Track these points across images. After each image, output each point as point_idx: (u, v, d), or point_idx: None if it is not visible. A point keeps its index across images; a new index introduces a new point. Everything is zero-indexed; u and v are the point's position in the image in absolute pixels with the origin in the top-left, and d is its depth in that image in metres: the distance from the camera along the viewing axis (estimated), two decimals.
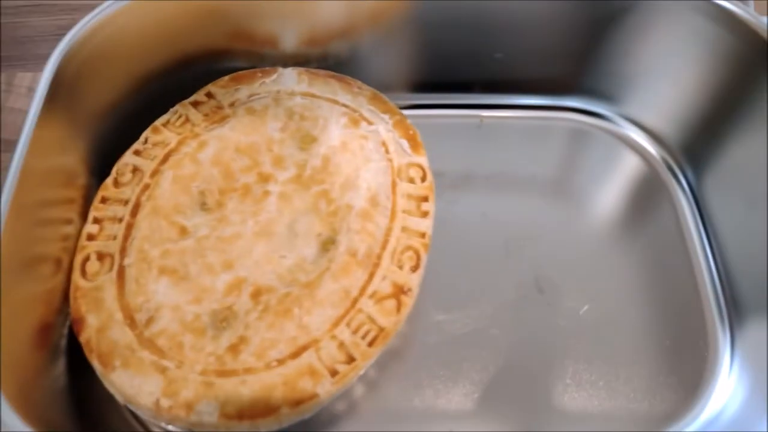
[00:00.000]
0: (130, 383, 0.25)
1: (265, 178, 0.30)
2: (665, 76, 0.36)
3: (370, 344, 0.27)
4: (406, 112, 0.34)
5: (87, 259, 0.27)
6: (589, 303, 0.32)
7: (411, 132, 0.33)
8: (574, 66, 0.37)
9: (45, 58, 0.42)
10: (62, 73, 0.28)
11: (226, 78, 0.33)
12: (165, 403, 0.25)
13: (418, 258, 0.29)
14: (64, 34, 0.43)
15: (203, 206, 0.30)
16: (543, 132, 0.38)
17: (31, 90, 0.41)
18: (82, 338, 0.26)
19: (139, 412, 0.26)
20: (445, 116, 0.39)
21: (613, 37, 0.35)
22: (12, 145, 0.39)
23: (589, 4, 0.34)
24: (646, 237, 0.35)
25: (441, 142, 0.35)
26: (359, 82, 0.35)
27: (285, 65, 0.35)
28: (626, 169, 0.37)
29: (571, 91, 0.38)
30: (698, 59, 0.33)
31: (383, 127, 0.33)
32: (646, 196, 0.36)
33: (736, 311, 0.32)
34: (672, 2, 0.32)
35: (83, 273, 0.27)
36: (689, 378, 0.31)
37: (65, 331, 0.28)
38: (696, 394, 0.30)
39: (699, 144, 0.35)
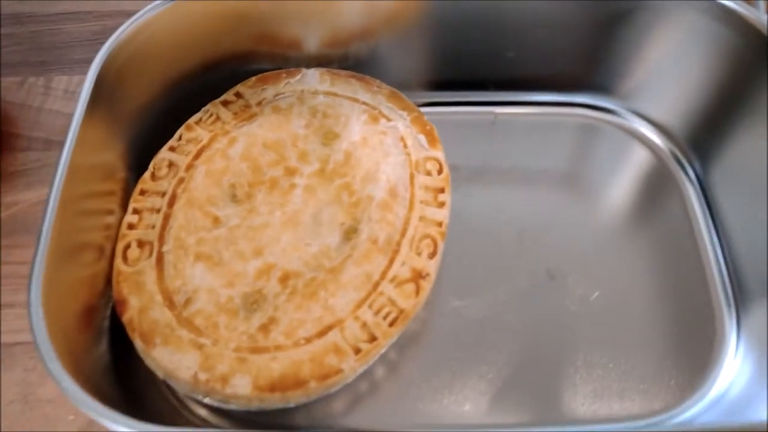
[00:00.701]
0: (170, 359, 0.28)
1: (291, 172, 0.33)
2: (672, 71, 0.38)
3: (391, 324, 0.29)
4: (422, 109, 0.37)
5: (128, 246, 0.30)
6: (600, 290, 0.34)
7: (428, 127, 0.35)
8: (584, 63, 0.39)
9: (80, 62, 0.45)
10: (103, 76, 0.31)
11: (253, 78, 0.36)
12: (202, 376, 0.27)
13: (436, 245, 0.31)
14: (97, 40, 0.46)
15: (234, 198, 0.32)
16: (554, 127, 0.40)
17: (67, 92, 0.44)
18: (125, 318, 0.29)
19: (177, 386, 0.28)
20: (460, 113, 0.41)
21: (622, 35, 0.37)
22: (52, 144, 0.42)
23: (598, 4, 0.36)
24: (655, 227, 0.37)
25: (456, 138, 0.38)
26: (378, 81, 0.37)
27: (308, 66, 0.37)
28: (635, 162, 0.39)
29: (582, 88, 0.40)
30: (703, 56, 0.35)
31: (401, 124, 0.35)
32: (655, 188, 0.38)
33: (741, 297, 0.34)
34: (678, 2, 0.35)
35: (125, 259, 0.30)
36: (697, 359, 0.33)
37: (108, 313, 0.30)
38: (704, 375, 0.32)
39: (705, 137, 0.37)
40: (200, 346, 0.28)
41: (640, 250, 0.36)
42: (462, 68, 0.40)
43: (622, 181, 0.39)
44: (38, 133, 0.42)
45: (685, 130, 0.38)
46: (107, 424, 0.24)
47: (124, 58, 0.32)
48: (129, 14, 0.46)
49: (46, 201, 0.27)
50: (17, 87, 0.44)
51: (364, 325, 0.29)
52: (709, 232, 0.36)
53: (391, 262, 0.31)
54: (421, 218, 0.32)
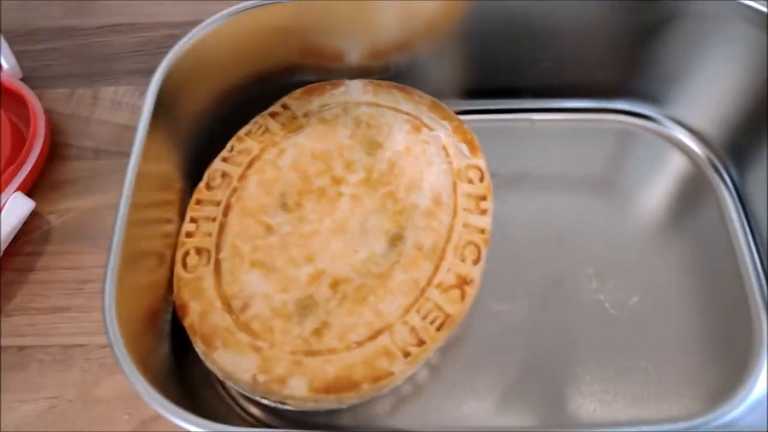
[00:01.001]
0: (230, 361, 0.29)
1: (337, 181, 0.35)
2: (710, 78, 0.39)
3: (438, 329, 0.31)
4: (460, 117, 0.38)
5: (187, 253, 0.32)
6: (639, 295, 0.36)
7: (469, 136, 0.37)
8: (622, 70, 0.40)
9: (125, 73, 0.48)
10: (164, 89, 0.32)
11: (299, 91, 0.38)
12: (261, 378, 0.29)
13: (479, 252, 0.33)
14: (141, 51, 0.48)
15: (284, 206, 0.34)
16: (592, 134, 0.42)
17: (113, 103, 0.46)
18: (187, 322, 0.31)
19: (237, 386, 0.30)
20: (498, 120, 0.42)
21: (660, 42, 0.38)
22: (101, 153, 0.44)
23: (636, 12, 0.37)
24: (693, 233, 0.38)
25: (494, 145, 0.39)
26: (419, 92, 0.39)
27: (350, 77, 0.39)
28: (673, 168, 0.40)
29: (619, 94, 0.42)
30: (742, 63, 0.36)
31: (443, 133, 0.37)
32: (692, 194, 0.39)
33: None
34: (717, 9, 0.35)
35: (184, 266, 0.32)
36: (735, 364, 0.34)
37: (168, 317, 0.32)
38: (741, 379, 0.33)
39: (742, 144, 0.38)
40: (258, 349, 0.30)
41: (678, 255, 0.37)
42: (499, 76, 0.42)
43: (659, 187, 0.40)
44: (87, 142, 0.44)
45: (722, 138, 0.39)
46: (177, 421, 0.26)
47: (182, 70, 0.34)
48: (170, 26, 0.49)
49: (116, 209, 0.29)
50: (66, 98, 0.46)
51: (413, 329, 0.31)
52: (746, 237, 0.37)
53: (437, 268, 0.32)
54: (465, 225, 0.34)
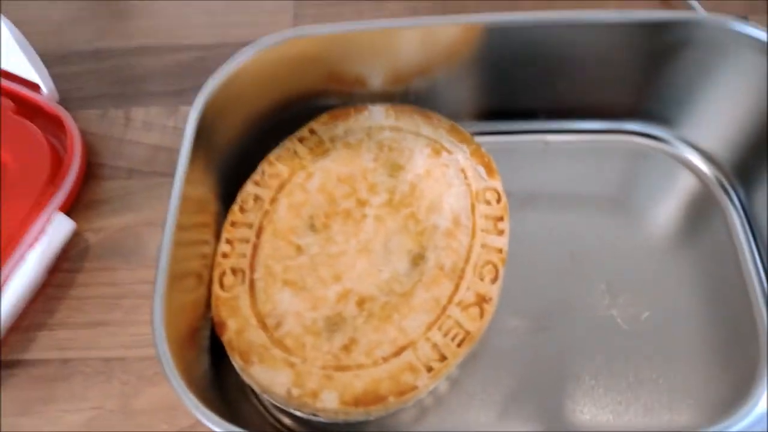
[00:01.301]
0: (266, 375, 0.32)
1: (362, 203, 0.37)
2: (718, 101, 0.41)
3: (459, 345, 0.33)
4: (477, 137, 0.41)
5: (224, 273, 0.35)
6: (650, 310, 0.38)
7: (486, 159, 0.39)
8: (634, 93, 0.43)
9: (156, 94, 0.50)
10: (204, 115, 0.35)
11: (326, 115, 0.40)
12: (295, 392, 0.31)
13: (497, 271, 0.35)
14: (171, 73, 0.51)
15: (312, 228, 0.36)
16: (604, 154, 0.44)
17: (145, 123, 0.49)
18: (225, 339, 0.33)
19: (272, 399, 0.32)
20: (512, 142, 0.44)
21: (671, 67, 0.40)
22: (134, 173, 0.47)
23: (647, 39, 0.39)
24: (701, 250, 0.40)
25: (508, 165, 0.41)
26: (438, 115, 0.41)
27: (372, 101, 0.41)
28: (682, 188, 0.42)
29: (631, 116, 0.44)
30: (746, 87, 0.38)
31: (461, 156, 0.39)
32: (701, 213, 0.41)
33: None
34: (722, 36, 0.38)
35: (221, 285, 0.34)
36: (743, 377, 0.36)
37: (207, 333, 0.35)
38: (749, 391, 0.35)
39: (749, 164, 0.40)
40: (292, 365, 0.32)
41: (687, 271, 0.39)
42: (513, 98, 0.44)
43: (669, 206, 0.42)
44: (121, 162, 0.47)
45: (730, 158, 0.41)
46: (216, 429, 0.28)
47: (221, 97, 0.36)
48: (198, 48, 0.51)
49: (162, 229, 0.32)
50: (99, 119, 0.49)
51: (435, 345, 0.33)
52: (753, 256, 0.39)
53: (457, 287, 0.35)
54: (483, 245, 0.36)
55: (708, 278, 0.39)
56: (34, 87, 0.47)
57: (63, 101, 0.48)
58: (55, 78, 0.49)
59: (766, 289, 0.38)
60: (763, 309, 0.37)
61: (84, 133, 0.47)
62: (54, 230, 0.40)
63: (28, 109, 0.46)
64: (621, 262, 0.39)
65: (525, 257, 0.39)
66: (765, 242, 0.39)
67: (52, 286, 0.42)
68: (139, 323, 0.40)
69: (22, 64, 0.46)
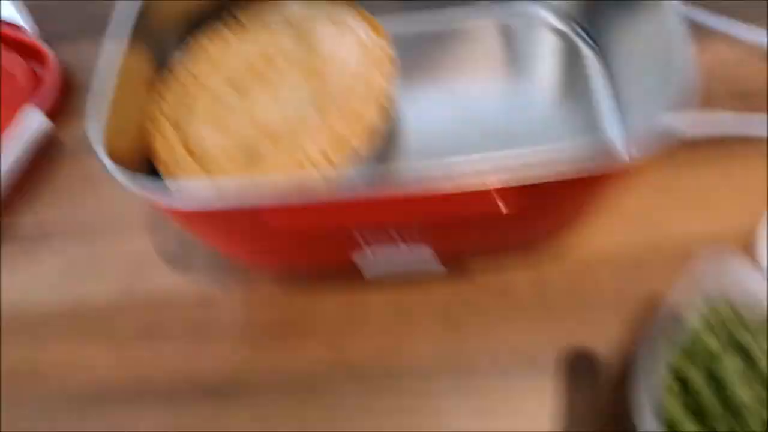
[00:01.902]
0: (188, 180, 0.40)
1: (279, 71, 0.46)
2: None
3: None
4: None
5: (157, 119, 0.44)
6: None
7: (373, 22, 0.47)
8: None
9: None
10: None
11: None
12: None
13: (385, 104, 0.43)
14: None
15: (233, 86, 0.45)
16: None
17: None
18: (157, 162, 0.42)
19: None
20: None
21: None
22: None
23: None
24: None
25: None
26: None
27: None
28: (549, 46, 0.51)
29: None
30: None
31: (359, 27, 0.47)
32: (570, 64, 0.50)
33: None
34: None
35: (158, 130, 0.43)
36: None
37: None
38: None
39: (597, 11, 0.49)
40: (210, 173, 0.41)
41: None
42: None
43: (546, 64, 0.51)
44: None
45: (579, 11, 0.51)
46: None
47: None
48: None
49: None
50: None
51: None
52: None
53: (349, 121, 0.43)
54: (368, 83, 0.44)
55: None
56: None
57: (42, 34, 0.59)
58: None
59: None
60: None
61: (62, 62, 0.58)
62: (28, 122, 0.50)
63: (12, 46, 0.57)
64: (514, 117, 0.47)
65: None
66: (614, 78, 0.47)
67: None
68: None
69: (6, 7, 0.57)
